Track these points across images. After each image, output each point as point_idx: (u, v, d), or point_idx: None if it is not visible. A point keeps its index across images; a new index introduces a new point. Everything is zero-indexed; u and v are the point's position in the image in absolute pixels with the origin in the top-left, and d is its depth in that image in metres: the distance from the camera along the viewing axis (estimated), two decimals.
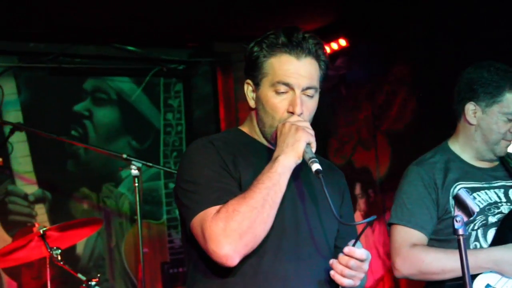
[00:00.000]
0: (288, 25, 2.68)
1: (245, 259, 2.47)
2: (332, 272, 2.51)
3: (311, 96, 2.62)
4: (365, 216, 6.39)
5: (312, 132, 2.54)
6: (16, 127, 6.10)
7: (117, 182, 6.90)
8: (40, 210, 6.50)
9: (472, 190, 3.39)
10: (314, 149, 2.54)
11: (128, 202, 6.89)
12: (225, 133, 2.80)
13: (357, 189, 6.47)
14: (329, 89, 6.83)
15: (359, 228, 2.54)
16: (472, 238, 3.34)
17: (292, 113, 2.58)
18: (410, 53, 6.06)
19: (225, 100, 7.10)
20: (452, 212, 3.24)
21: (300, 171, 2.62)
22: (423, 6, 5.80)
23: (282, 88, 2.58)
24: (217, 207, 2.44)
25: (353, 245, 2.50)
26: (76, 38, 6.57)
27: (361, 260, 2.48)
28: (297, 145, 2.49)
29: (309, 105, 2.62)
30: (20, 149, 6.47)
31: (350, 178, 6.48)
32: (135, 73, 7.06)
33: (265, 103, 2.61)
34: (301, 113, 2.58)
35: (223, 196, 2.48)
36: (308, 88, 2.60)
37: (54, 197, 6.59)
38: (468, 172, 3.45)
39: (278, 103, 2.59)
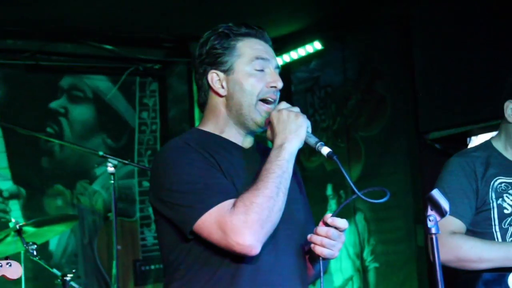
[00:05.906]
0: (263, 27, 2.78)
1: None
2: (312, 245, 2.57)
3: None
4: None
5: None
6: None
7: (91, 180, 6.93)
8: (14, 206, 6.51)
9: None
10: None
11: (102, 199, 6.92)
12: (189, 135, 2.76)
13: (329, 190, 6.55)
14: (303, 92, 6.90)
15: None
16: (509, 234, 3.41)
17: (274, 87, 2.67)
18: (384, 57, 6.13)
19: None
20: (491, 204, 3.40)
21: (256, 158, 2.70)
22: (398, 8, 5.82)
23: (260, 65, 2.67)
24: (229, 201, 2.46)
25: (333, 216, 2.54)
26: (53, 36, 6.59)
27: (342, 230, 2.55)
28: (300, 131, 2.57)
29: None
30: None
31: (322, 180, 6.55)
32: (111, 71, 7.10)
33: (244, 82, 2.67)
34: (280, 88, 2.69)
35: (227, 191, 2.51)
36: (276, 68, 2.73)
37: (29, 193, 6.60)
38: (508, 168, 3.50)
39: (256, 80, 2.67)
